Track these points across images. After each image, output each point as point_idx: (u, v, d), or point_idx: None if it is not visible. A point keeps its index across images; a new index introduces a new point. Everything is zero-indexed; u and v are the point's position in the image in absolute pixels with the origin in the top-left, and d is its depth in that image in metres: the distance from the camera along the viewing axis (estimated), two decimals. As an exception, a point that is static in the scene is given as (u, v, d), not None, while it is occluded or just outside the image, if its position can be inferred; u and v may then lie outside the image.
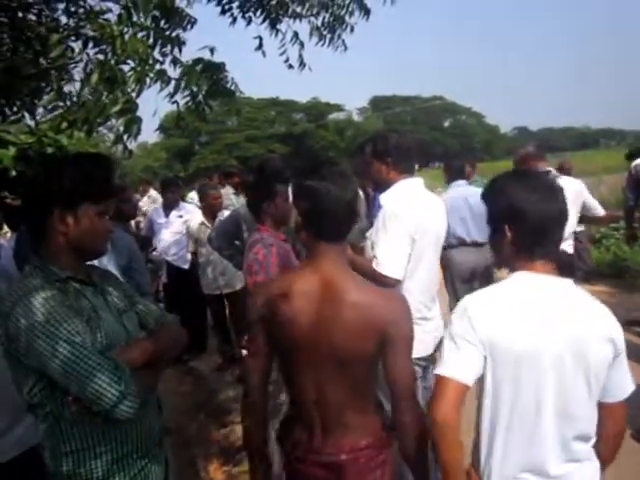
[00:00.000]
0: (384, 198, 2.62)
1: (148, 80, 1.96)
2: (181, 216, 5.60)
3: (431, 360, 2.86)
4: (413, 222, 2.48)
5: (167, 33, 2.91)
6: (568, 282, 1.57)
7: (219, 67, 3.32)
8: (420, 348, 2.65)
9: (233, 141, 52.34)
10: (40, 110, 2.70)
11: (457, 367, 1.49)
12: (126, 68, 1.94)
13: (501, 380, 1.50)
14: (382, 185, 2.69)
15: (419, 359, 2.64)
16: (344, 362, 1.54)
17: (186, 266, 5.53)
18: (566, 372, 1.48)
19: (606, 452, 1.61)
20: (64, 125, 2.05)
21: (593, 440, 1.57)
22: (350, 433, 1.59)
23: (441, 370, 1.51)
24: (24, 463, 1.88)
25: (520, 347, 1.47)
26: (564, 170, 7.85)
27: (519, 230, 1.54)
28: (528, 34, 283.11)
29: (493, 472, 1.54)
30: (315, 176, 1.56)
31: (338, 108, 65.59)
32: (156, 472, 1.65)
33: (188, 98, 3.29)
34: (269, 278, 2.27)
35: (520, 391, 1.49)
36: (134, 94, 1.89)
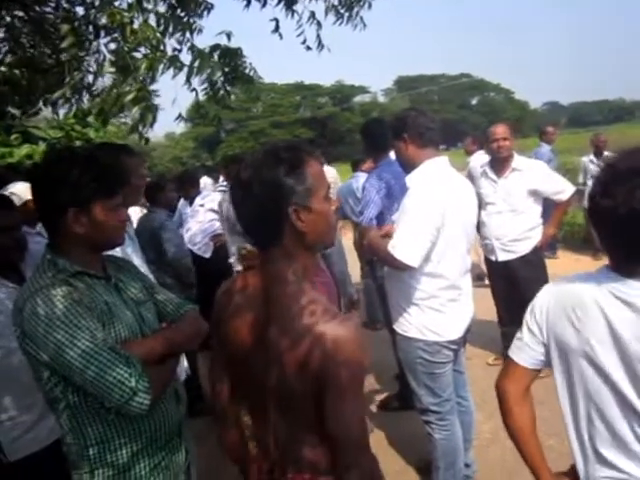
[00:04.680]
0: (409, 180, 2.56)
1: (160, 67, 1.93)
2: (202, 205, 5.61)
3: (462, 343, 2.82)
4: (439, 208, 2.40)
5: (183, 20, 2.89)
6: None
7: (237, 53, 3.29)
8: (451, 331, 2.62)
9: (258, 128, 52.35)
10: (60, 103, 2.71)
11: (519, 352, 1.57)
12: (139, 56, 1.91)
13: (570, 375, 1.47)
14: (407, 166, 2.63)
15: (450, 342, 2.61)
16: (292, 402, 1.29)
17: (207, 255, 5.48)
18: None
19: None
20: (79, 115, 2.04)
21: None
22: (316, 474, 1.35)
23: (511, 353, 1.59)
24: (41, 459, 1.91)
25: (571, 341, 1.43)
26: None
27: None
28: (558, 6, 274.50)
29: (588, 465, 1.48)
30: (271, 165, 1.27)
31: (363, 90, 64.98)
32: (177, 462, 1.65)
33: (206, 85, 3.29)
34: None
35: (593, 385, 1.42)
36: (148, 81, 1.86)
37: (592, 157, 7.81)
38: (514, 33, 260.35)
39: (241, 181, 1.26)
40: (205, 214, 5.51)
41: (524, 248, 4.15)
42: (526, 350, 1.55)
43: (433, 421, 2.69)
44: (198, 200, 5.68)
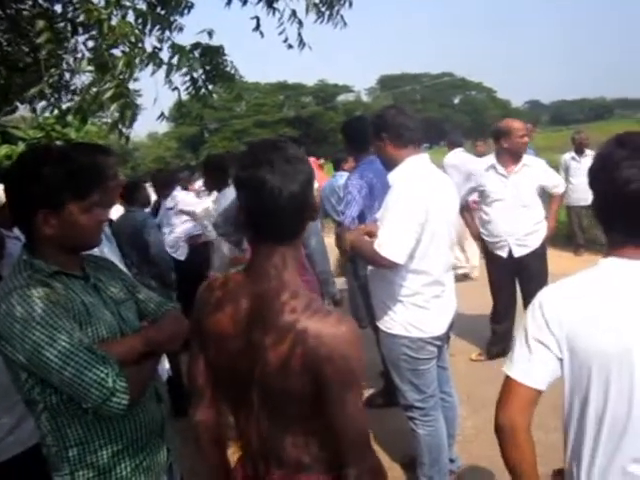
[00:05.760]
0: (391, 177, 2.57)
1: (139, 63, 1.91)
2: (172, 208, 5.54)
3: (445, 339, 2.84)
4: (421, 205, 2.42)
5: (164, 17, 2.87)
6: None
7: (218, 51, 3.27)
8: (435, 327, 2.64)
9: (242, 127, 52.17)
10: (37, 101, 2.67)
11: (528, 371, 1.36)
12: (118, 54, 1.89)
13: (583, 383, 1.33)
14: (388, 164, 2.64)
15: (434, 338, 2.63)
16: (280, 395, 1.28)
17: (182, 257, 5.43)
18: None
19: None
20: (58, 114, 2.01)
21: None
22: (300, 472, 1.35)
23: (511, 372, 1.38)
24: (25, 461, 1.88)
25: (605, 346, 1.28)
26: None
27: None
28: (539, 5, 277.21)
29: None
30: (252, 164, 1.25)
31: (346, 89, 65.05)
32: (158, 462, 1.64)
33: (188, 84, 3.26)
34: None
35: (608, 394, 1.30)
36: (126, 78, 1.83)
37: (573, 154, 7.89)
38: (496, 31, 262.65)
39: (260, 180, 1.24)
40: (176, 217, 5.45)
41: (535, 242, 4.23)
42: (538, 368, 1.36)
43: (417, 417, 2.70)
44: (169, 202, 5.60)
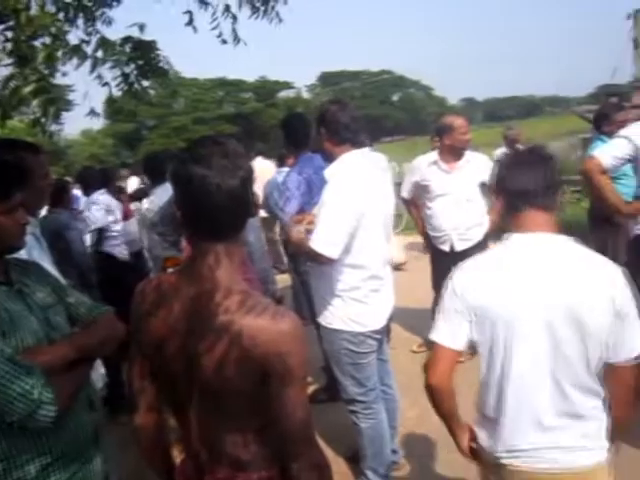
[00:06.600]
0: (327, 173, 2.58)
1: (61, 56, 1.81)
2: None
3: (385, 332, 2.88)
4: (356, 199, 2.44)
5: (91, 10, 2.75)
6: (563, 239, 1.59)
7: (150, 45, 3.17)
8: (374, 321, 2.67)
9: (180, 124, 51.03)
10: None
11: (447, 334, 1.65)
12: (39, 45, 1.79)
13: (490, 344, 1.60)
14: (328, 158, 2.66)
15: (374, 331, 2.66)
16: (219, 396, 1.26)
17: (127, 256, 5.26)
18: (560, 336, 1.51)
19: (616, 413, 1.61)
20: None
21: (599, 398, 1.58)
22: (240, 470, 1.33)
23: (434, 336, 1.68)
24: None
25: (504, 312, 1.55)
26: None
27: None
28: (470, 6, 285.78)
29: (496, 429, 1.63)
30: (189, 159, 1.22)
31: (287, 86, 64.82)
32: (93, 472, 1.58)
33: (120, 79, 3.15)
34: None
35: (510, 354, 1.56)
36: (47, 72, 1.74)
37: (505, 150, 8.19)
38: (433, 30, 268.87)
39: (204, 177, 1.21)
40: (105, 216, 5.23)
41: (477, 236, 4.30)
42: (456, 332, 1.64)
43: (359, 410, 2.73)
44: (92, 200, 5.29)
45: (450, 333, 1.64)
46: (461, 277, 1.67)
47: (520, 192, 1.61)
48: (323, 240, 2.40)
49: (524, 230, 1.60)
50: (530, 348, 1.54)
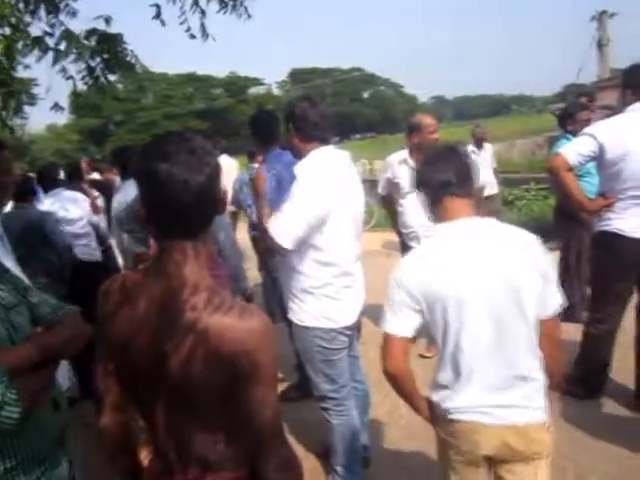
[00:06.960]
0: (296, 170, 2.57)
1: (22, 48, 1.76)
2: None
3: (356, 328, 2.89)
4: (323, 195, 2.45)
5: (54, 0, 2.68)
6: (486, 220, 1.79)
7: (116, 38, 3.11)
8: (346, 317, 2.67)
9: (149, 119, 50.32)
10: None
11: (396, 324, 1.79)
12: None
13: (443, 323, 1.73)
14: (297, 155, 2.66)
15: (346, 328, 2.66)
16: (187, 395, 1.24)
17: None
18: (503, 306, 1.69)
19: (551, 368, 1.79)
20: None
21: (537, 360, 1.76)
22: (210, 470, 1.32)
23: (385, 327, 1.81)
24: None
25: (452, 292, 1.70)
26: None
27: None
28: (444, 5, 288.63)
29: (450, 395, 1.78)
30: (154, 155, 1.19)
31: (257, 82, 64.59)
32: (59, 475, 1.54)
33: (84, 72, 3.08)
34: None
35: (462, 328, 1.71)
36: (7, 65, 1.69)
37: (473, 147, 8.30)
38: (404, 28, 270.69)
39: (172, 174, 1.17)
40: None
41: None
42: (404, 321, 1.79)
43: (331, 407, 2.73)
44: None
45: (398, 323, 1.79)
46: (403, 270, 1.81)
47: (440, 183, 1.80)
48: (279, 226, 2.45)
49: (449, 217, 1.79)
50: (479, 320, 1.70)
